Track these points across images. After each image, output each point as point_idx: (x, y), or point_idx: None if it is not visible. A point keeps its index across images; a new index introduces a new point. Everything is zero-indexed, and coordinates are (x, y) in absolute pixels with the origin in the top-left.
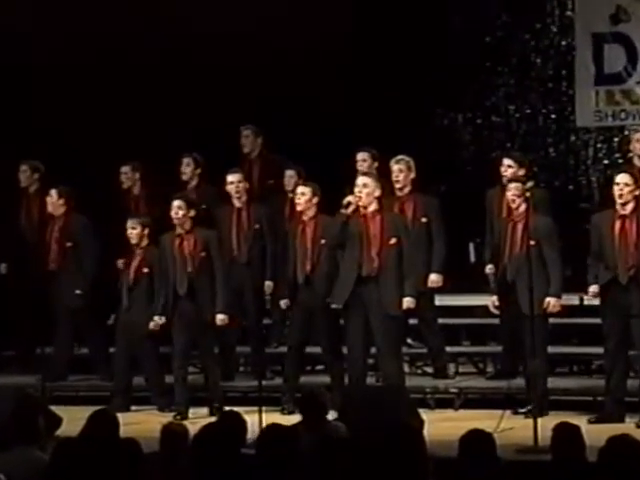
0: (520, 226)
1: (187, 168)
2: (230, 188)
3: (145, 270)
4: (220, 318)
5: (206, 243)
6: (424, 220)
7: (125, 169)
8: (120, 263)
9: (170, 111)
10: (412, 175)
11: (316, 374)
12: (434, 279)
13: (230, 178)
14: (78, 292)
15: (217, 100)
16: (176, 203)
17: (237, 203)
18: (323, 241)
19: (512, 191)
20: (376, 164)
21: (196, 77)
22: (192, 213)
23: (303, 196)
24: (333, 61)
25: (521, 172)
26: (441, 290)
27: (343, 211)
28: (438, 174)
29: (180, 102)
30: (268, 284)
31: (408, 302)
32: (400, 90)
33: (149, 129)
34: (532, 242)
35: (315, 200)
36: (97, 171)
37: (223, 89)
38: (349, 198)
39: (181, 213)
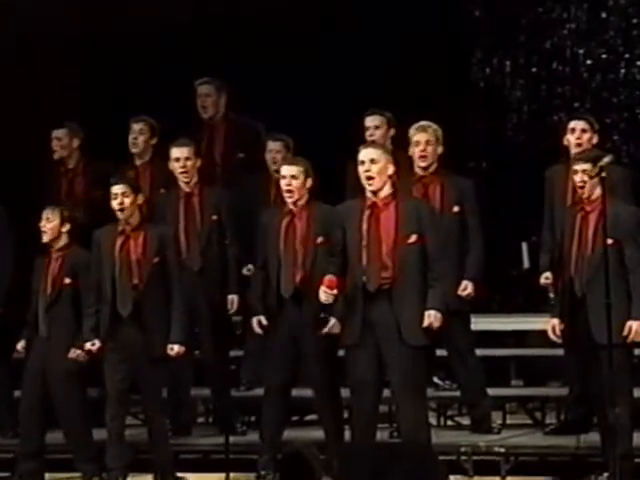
0: (593, 218)
1: (140, 137)
2: (174, 166)
3: (67, 281)
4: (175, 350)
5: (161, 245)
6: (456, 210)
7: (59, 134)
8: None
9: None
10: (440, 148)
11: (305, 426)
12: (466, 288)
13: (174, 152)
14: None
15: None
16: (117, 188)
17: (185, 187)
18: (320, 239)
19: (581, 170)
20: (392, 132)
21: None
22: (140, 199)
23: (294, 180)
24: None
25: (595, 138)
26: (480, 309)
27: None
28: (476, 146)
29: (134, 51)
30: (231, 299)
31: (431, 317)
32: (422, 28)
33: (92, 81)
34: (610, 241)
35: (309, 183)
36: (13, 137)
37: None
38: (322, 298)
39: (127, 201)
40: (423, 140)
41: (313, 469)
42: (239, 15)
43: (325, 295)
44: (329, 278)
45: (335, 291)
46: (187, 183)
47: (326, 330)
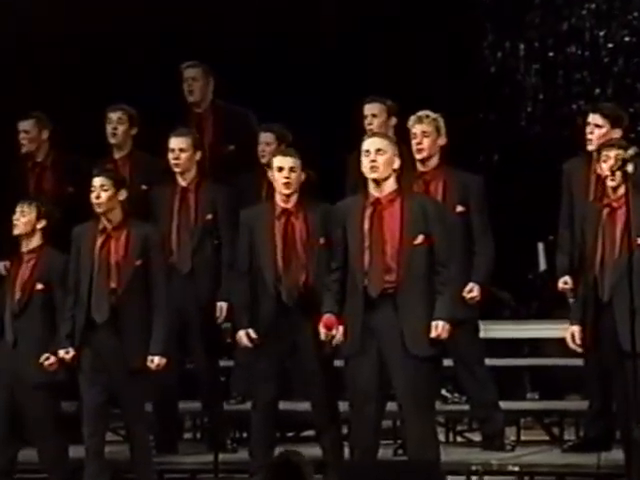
0: (621, 215)
1: (119, 127)
2: (169, 157)
3: (39, 286)
4: (155, 362)
5: (145, 246)
6: (460, 210)
7: (26, 125)
8: (3, 266)
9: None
10: (441, 140)
11: (302, 443)
12: (472, 290)
13: (172, 143)
14: None
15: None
16: (96, 181)
17: (181, 181)
18: (322, 240)
19: (607, 163)
20: (393, 121)
21: None
22: (123, 195)
23: (293, 172)
24: None
25: (616, 134)
26: (491, 315)
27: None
28: (486, 138)
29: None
30: (221, 306)
31: (438, 328)
32: (427, 8)
33: (62, 67)
34: (639, 241)
35: (302, 177)
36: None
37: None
38: (322, 337)
39: (104, 196)
40: (419, 131)
41: (304, 476)
42: (239, 14)
43: (324, 335)
44: (327, 317)
45: (334, 331)
46: (182, 177)
47: (334, 343)
